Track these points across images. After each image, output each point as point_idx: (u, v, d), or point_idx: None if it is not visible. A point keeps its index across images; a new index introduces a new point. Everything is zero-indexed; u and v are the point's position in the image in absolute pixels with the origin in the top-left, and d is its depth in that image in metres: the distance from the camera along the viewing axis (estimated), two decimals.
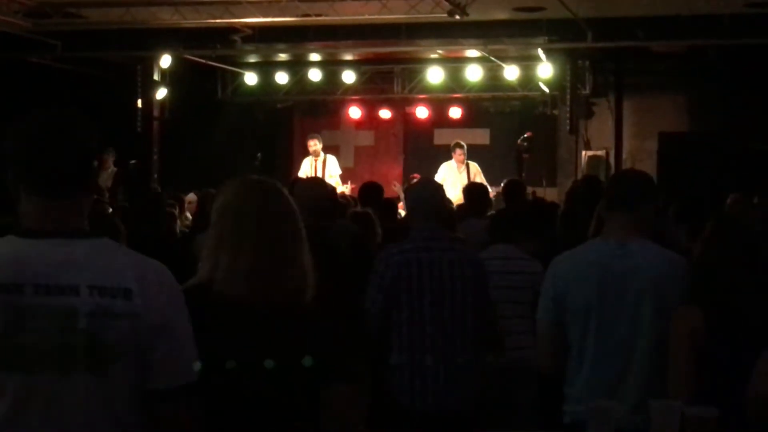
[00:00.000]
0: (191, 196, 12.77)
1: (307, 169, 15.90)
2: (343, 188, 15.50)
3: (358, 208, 8.75)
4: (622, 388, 4.31)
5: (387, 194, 10.62)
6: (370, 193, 9.31)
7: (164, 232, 8.27)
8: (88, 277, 2.64)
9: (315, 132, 17.00)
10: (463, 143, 15.85)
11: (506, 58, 18.23)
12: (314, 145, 16.05)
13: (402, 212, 10.50)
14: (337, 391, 3.19)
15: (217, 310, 3.12)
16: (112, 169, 16.45)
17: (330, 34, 17.09)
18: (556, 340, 4.51)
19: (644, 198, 4.50)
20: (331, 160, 16.12)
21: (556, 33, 16.69)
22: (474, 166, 15.67)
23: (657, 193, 4.67)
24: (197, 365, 2.77)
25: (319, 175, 15.50)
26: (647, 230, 4.50)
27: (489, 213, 9.07)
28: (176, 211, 10.84)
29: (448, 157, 15.96)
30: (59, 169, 2.71)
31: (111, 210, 9.32)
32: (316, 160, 15.99)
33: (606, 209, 4.59)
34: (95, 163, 2.83)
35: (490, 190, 11.34)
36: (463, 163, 15.60)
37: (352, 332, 3.33)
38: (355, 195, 11.57)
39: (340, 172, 16.13)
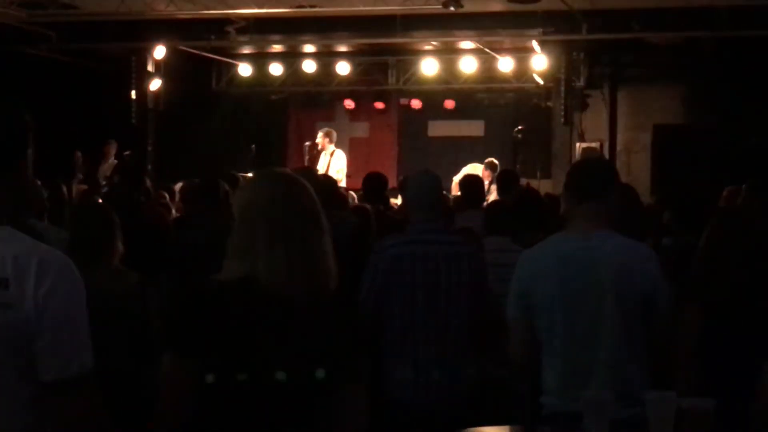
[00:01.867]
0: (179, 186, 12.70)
1: (322, 162, 15.86)
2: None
3: (356, 202, 8.73)
4: (594, 378, 4.33)
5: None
6: (374, 184, 9.22)
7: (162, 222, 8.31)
8: None
9: (312, 124, 16.96)
10: (496, 163, 15.73)
11: (501, 50, 18.22)
12: (319, 138, 15.98)
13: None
14: (349, 391, 3.20)
15: (261, 305, 3.13)
16: (112, 160, 16.44)
17: (324, 26, 17.10)
18: (524, 334, 4.54)
19: (605, 187, 4.50)
20: (338, 155, 15.98)
21: (550, 25, 16.70)
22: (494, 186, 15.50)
23: (618, 182, 4.66)
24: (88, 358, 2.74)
25: (324, 168, 15.49)
26: (612, 219, 4.49)
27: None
28: (168, 201, 10.89)
29: (442, 149, 15.94)
30: None
31: (101, 200, 9.31)
32: (324, 154, 15.91)
33: (569, 201, 4.59)
34: (14, 153, 2.78)
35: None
36: (488, 179, 15.48)
37: (356, 326, 3.35)
38: (352, 187, 11.55)
39: (342, 168, 15.86)
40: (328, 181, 7.99)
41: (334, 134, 16.21)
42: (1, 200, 2.76)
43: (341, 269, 3.24)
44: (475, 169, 15.67)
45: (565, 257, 4.42)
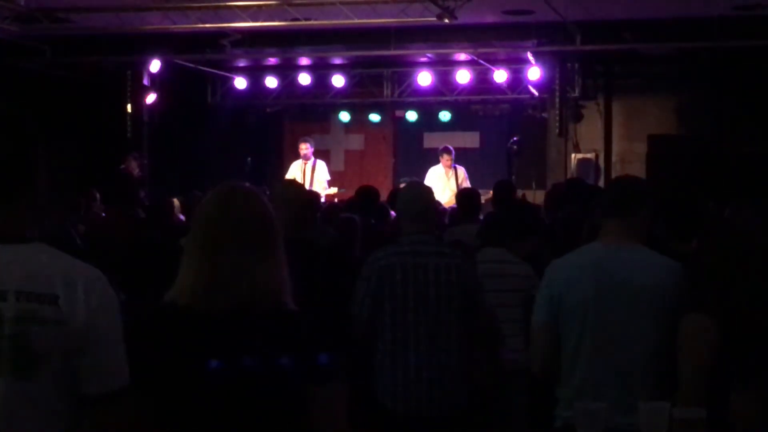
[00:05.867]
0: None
1: (295, 172, 15.88)
2: (330, 191, 15.58)
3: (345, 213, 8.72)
4: (617, 390, 4.31)
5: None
6: (365, 197, 9.22)
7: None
8: (16, 283, 2.67)
9: (306, 135, 17.01)
10: (451, 148, 15.85)
11: (495, 62, 18.25)
12: (305, 148, 16.07)
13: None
14: (319, 391, 3.16)
15: (170, 323, 3.15)
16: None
17: (319, 39, 17.11)
18: (549, 342, 4.54)
19: (639, 205, 4.54)
20: (321, 165, 16.09)
21: (545, 36, 16.72)
22: (461, 171, 15.67)
23: (651, 200, 4.69)
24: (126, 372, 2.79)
25: (308, 179, 15.52)
26: (642, 236, 4.54)
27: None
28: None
29: (438, 161, 15.98)
30: None
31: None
32: (305, 164, 15.99)
33: (602, 216, 4.63)
34: (28, 164, 2.81)
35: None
36: (450, 167, 15.61)
37: (326, 332, 3.30)
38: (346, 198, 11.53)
39: (328, 177, 16.12)
40: (310, 196, 7.99)
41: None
42: (24, 218, 2.78)
43: (321, 281, 3.21)
44: (435, 171, 15.70)
45: (599, 267, 4.44)
